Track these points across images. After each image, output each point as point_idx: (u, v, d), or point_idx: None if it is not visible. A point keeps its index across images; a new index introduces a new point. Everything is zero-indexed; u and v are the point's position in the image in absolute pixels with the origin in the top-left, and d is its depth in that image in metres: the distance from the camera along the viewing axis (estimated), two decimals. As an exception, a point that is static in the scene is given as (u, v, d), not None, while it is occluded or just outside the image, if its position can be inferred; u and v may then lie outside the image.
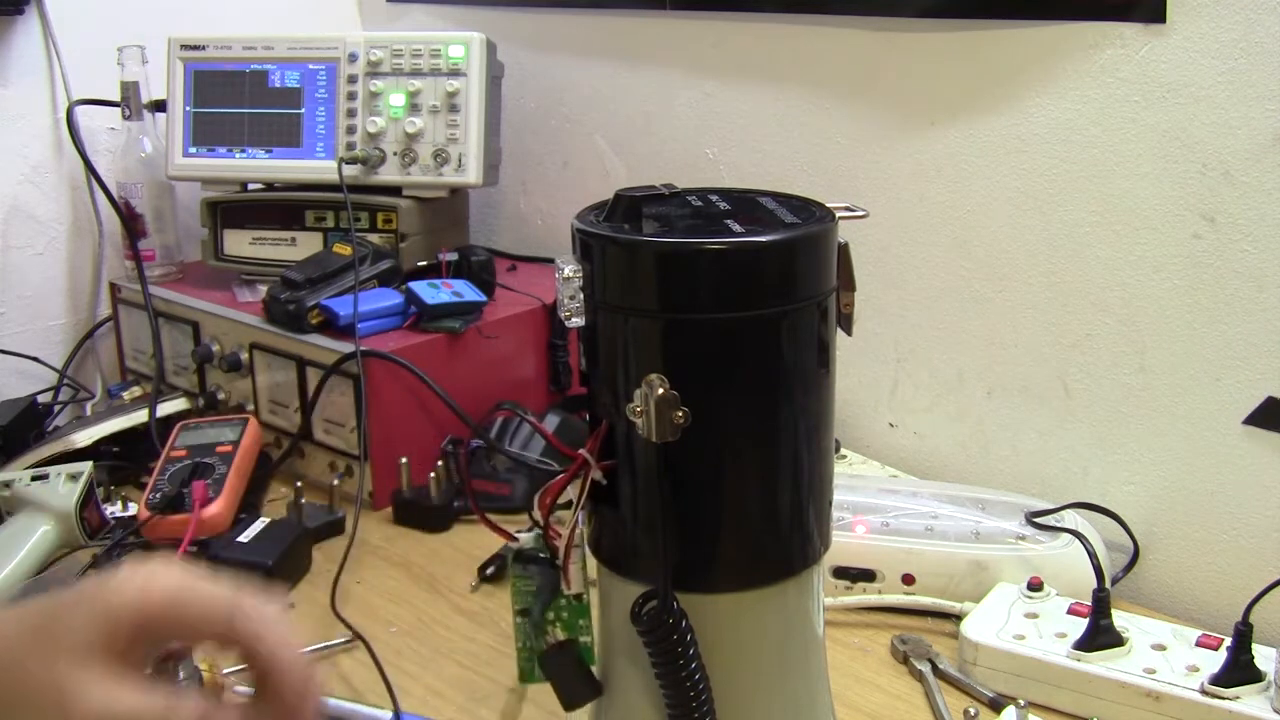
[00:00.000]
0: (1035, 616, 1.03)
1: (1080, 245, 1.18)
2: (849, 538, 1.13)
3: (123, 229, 1.62)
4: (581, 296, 0.71)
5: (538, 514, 0.77)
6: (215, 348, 1.49)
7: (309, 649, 1.08)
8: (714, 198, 0.77)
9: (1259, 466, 1.10)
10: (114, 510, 1.31)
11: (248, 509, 1.30)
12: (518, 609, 0.85)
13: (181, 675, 0.95)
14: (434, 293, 1.41)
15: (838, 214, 0.73)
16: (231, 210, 1.61)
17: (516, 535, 0.84)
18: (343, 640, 1.08)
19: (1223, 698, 0.92)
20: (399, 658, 1.08)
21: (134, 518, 1.24)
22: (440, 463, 1.34)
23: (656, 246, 0.68)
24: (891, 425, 1.40)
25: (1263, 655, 0.93)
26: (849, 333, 0.75)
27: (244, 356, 1.46)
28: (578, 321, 0.72)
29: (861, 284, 0.74)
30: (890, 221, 1.33)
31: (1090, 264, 1.18)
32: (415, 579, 1.22)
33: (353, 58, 1.55)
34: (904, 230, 1.32)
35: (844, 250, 0.73)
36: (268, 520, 1.23)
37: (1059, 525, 1.11)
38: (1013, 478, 1.28)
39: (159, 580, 0.60)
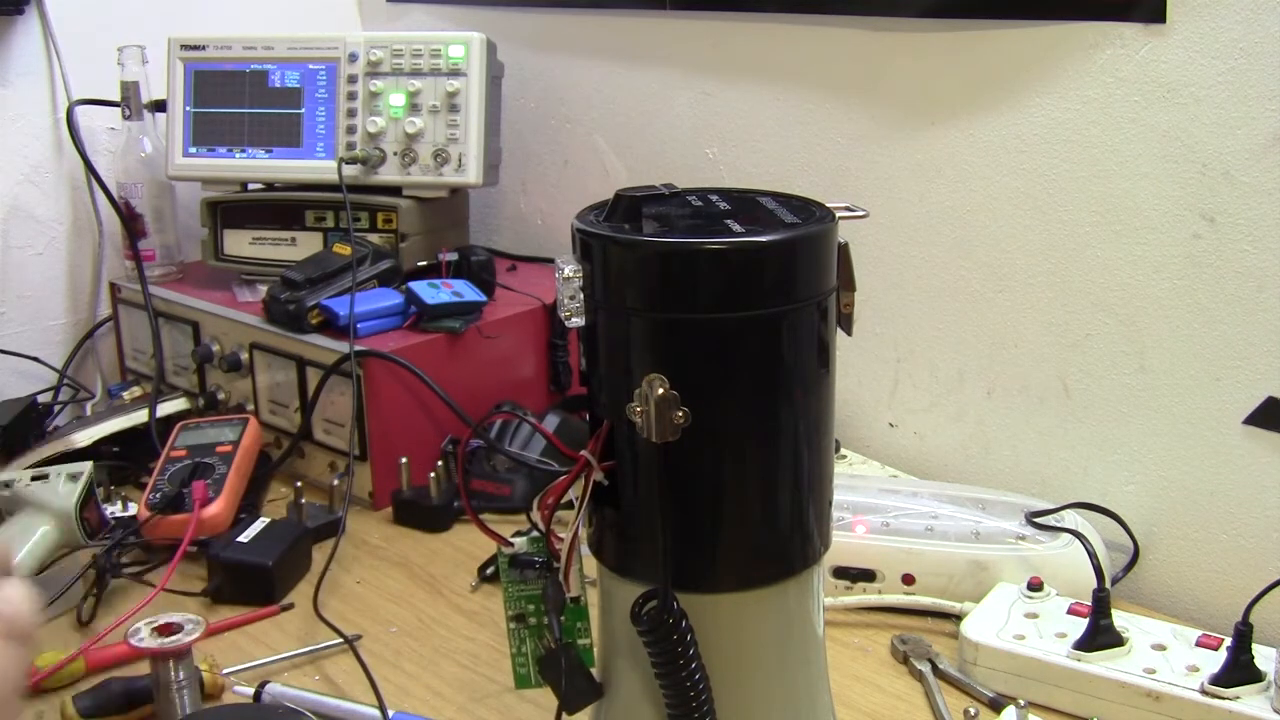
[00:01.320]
0: (1035, 616, 1.03)
1: (1080, 245, 1.18)
2: (849, 538, 1.13)
3: (123, 229, 1.62)
4: (581, 296, 0.71)
5: (538, 516, 0.77)
6: (215, 348, 1.49)
7: (304, 650, 1.08)
8: (714, 198, 0.77)
9: (1259, 466, 1.10)
10: (114, 510, 1.31)
11: (248, 509, 1.30)
12: (511, 615, 0.85)
13: (181, 675, 0.96)
14: (434, 293, 1.41)
15: (838, 214, 0.73)
16: (231, 210, 1.61)
17: (510, 540, 0.84)
18: (335, 641, 1.08)
19: (1223, 698, 0.92)
20: (399, 658, 1.08)
21: (134, 518, 1.24)
22: (440, 463, 1.34)
23: (657, 246, 0.68)
24: (891, 425, 1.40)
25: (1263, 655, 0.93)
26: (849, 333, 0.75)
27: (244, 356, 1.46)
28: (578, 321, 0.72)
29: (861, 284, 0.74)
30: (890, 221, 1.33)
31: (1090, 264, 1.18)
32: (415, 579, 1.22)
33: (353, 58, 1.55)
34: (904, 230, 1.32)
35: (844, 250, 0.73)
36: (268, 520, 1.23)
37: (1059, 525, 1.11)
38: (1013, 478, 1.28)
39: None
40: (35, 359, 1.68)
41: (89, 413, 1.60)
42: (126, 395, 1.59)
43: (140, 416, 1.47)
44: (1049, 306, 1.22)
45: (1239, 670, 0.92)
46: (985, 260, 1.26)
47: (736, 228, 0.69)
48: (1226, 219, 1.08)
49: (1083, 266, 1.18)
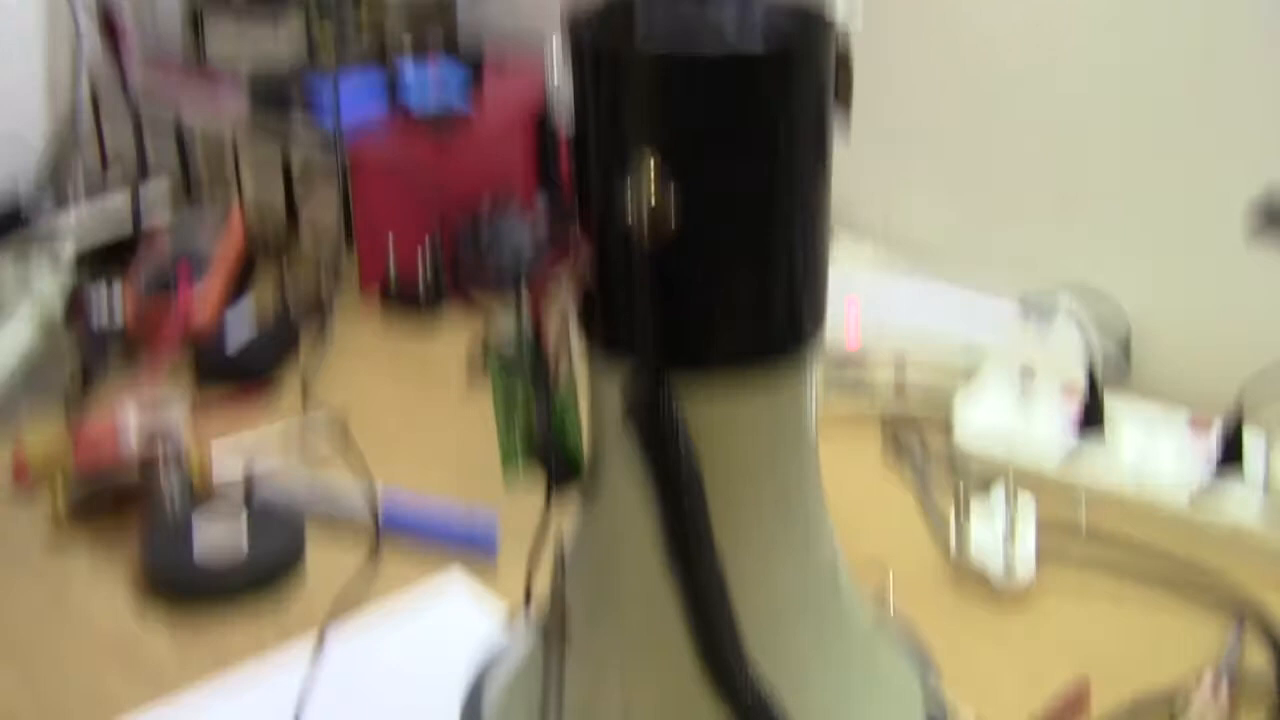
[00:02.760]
0: (1028, 401, 1.03)
1: (1078, 38, 1.15)
2: (840, 324, 1.12)
3: (102, 28, 1.58)
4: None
5: (527, 302, 0.76)
6: (198, 146, 1.47)
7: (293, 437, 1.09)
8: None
9: (1258, 253, 1.09)
10: (100, 308, 1.30)
11: (234, 302, 1.29)
12: (500, 401, 0.84)
13: (170, 458, 0.96)
14: (420, 87, 1.38)
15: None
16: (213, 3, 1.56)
17: (499, 328, 0.83)
18: (325, 426, 1.08)
19: (1213, 490, 0.92)
20: (391, 441, 1.09)
21: (120, 315, 1.24)
22: (428, 253, 1.33)
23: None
24: (885, 216, 1.38)
25: (1252, 443, 0.93)
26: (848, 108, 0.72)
27: (228, 152, 1.44)
28: (565, 86, 0.69)
29: (856, 80, 0.72)
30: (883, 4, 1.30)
31: (1087, 53, 1.15)
32: (404, 368, 1.22)
33: None
34: (899, 17, 1.29)
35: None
36: (255, 312, 1.23)
37: (1053, 311, 1.11)
38: (1007, 265, 1.27)
39: None
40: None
41: (70, 215, 1.58)
42: (109, 197, 1.57)
43: (123, 219, 1.46)
44: (1045, 97, 1.19)
45: (1229, 458, 0.93)
46: (978, 51, 1.23)
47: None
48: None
49: (1079, 56, 1.16)
